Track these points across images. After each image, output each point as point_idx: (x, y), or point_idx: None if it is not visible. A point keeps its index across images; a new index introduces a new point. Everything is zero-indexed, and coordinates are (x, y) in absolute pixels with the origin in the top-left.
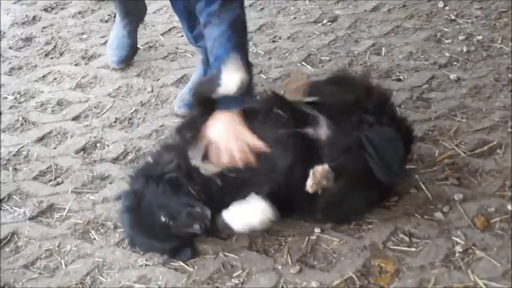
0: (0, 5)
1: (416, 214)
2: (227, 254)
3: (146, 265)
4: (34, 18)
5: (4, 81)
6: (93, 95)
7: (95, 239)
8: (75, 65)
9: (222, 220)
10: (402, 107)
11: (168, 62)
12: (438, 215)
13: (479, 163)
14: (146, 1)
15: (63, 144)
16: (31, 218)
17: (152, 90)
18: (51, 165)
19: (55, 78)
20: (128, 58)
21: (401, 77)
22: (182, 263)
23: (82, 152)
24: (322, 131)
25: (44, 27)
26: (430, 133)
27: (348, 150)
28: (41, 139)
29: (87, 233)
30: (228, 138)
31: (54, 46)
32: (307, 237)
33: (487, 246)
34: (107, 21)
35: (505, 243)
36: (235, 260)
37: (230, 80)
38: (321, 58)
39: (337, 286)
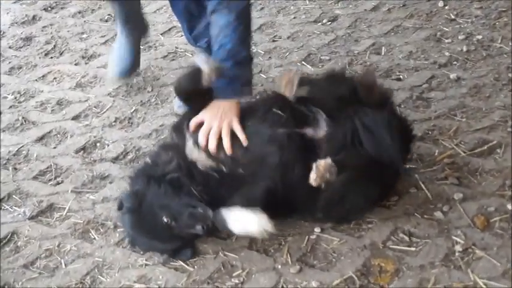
0: (0, 4)
1: (416, 214)
2: (227, 253)
3: (146, 265)
4: (34, 17)
5: (4, 80)
6: (93, 94)
7: (94, 238)
8: (75, 64)
9: (221, 218)
10: (402, 106)
11: (168, 61)
12: (438, 214)
13: (479, 162)
14: (146, 1)
15: (63, 143)
16: (31, 218)
17: (152, 90)
18: (51, 165)
19: (55, 78)
20: (129, 70)
21: (401, 77)
22: (182, 263)
23: (82, 151)
24: (321, 130)
25: (43, 27)
26: (430, 132)
27: (345, 147)
28: (40, 139)
29: (87, 232)
30: (213, 120)
31: (54, 46)
32: (307, 237)
33: (487, 246)
34: (106, 21)
35: (504, 243)
36: (235, 260)
37: None
38: (321, 58)
39: (337, 286)
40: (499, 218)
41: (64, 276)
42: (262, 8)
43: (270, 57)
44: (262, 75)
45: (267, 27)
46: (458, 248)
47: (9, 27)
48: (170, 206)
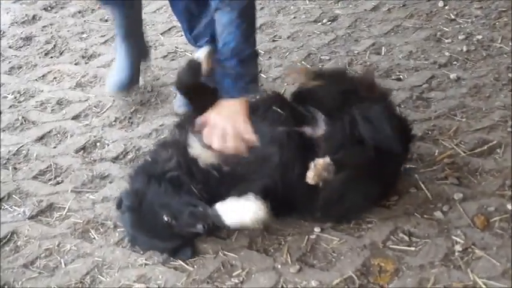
0: (0, 4)
1: (416, 213)
2: (227, 253)
3: (146, 264)
4: (34, 17)
5: (4, 80)
6: (93, 94)
7: (94, 238)
8: (75, 64)
9: (215, 211)
10: (402, 106)
11: (168, 61)
12: (438, 214)
13: (479, 162)
14: (146, 1)
15: (63, 143)
16: (31, 217)
17: (152, 90)
18: (51, 165)
19: (55, 78)
20: (127, 84)
21: (401, 77)
22: (182, 262)
23: (82, 151)
24: (320, 129)
25: (43, 27)
26: (429, 132)
27: (344, 145)
28: (40, 138)
29: (86, 232)
30: (226, 123)
31: (54, 45)
32: (306, 237)
33: (487, 246)
34: (106, 21)
35: (504, 243)
36: (234, 259)
37: None
38: (321, 57)
39: (336, 285)
40: (499, 218)
41: (64, 276)
42: (262, 8)
43: (270, 57)
44: (262, 75)
45: (267, 27)
46: (458, 247)
47: (9, 26)
48: (170, 204)
